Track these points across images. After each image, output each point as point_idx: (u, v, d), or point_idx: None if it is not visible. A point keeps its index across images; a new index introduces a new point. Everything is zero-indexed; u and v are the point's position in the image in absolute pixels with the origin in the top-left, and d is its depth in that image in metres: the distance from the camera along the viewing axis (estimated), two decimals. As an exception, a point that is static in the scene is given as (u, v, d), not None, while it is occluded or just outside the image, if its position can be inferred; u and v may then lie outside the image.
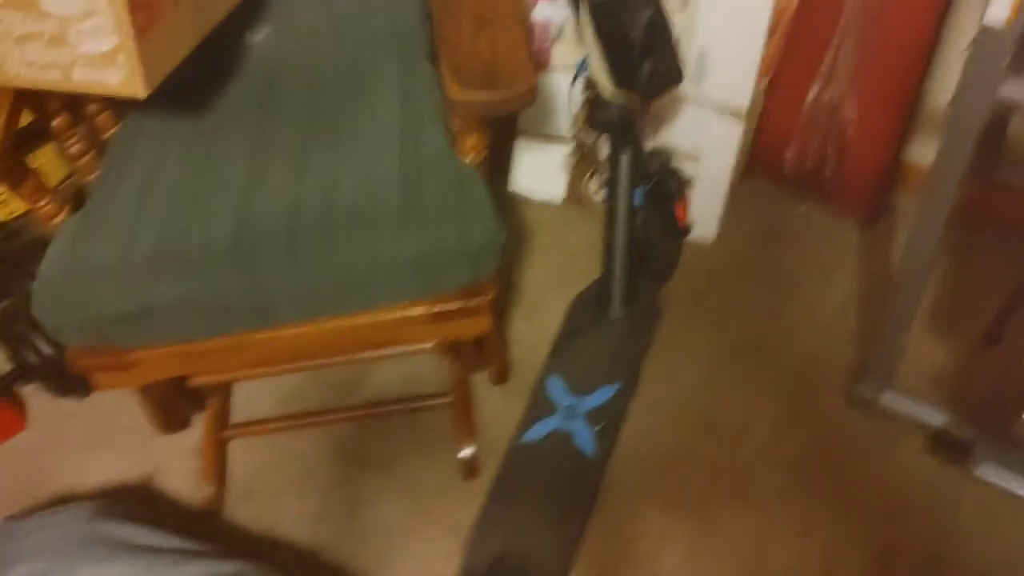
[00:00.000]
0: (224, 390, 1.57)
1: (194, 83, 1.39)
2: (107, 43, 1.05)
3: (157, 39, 1.10)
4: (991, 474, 1.22)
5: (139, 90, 1.08)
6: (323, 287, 1.13)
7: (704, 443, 1.51)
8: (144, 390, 1.36)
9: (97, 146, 1.36)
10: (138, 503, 1.46)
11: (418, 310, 1.19)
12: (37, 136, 1.76)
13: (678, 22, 1.61)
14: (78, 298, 1.12)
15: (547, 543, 1.23)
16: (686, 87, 1.69)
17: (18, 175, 1.19)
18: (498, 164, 1.94)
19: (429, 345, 1.42)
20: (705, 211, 1.78)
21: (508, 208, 1.89)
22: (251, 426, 1.52)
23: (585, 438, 1.33)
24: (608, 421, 1.35)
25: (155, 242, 1.15)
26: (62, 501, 1.46)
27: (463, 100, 1.07)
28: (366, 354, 1.42)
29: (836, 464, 1.47)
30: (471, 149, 1.23)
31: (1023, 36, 1.03)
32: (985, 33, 1.05)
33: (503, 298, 1.72)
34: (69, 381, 1.56)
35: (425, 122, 1.28)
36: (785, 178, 1.89)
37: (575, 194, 1.87)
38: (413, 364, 1.63)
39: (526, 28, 1.16)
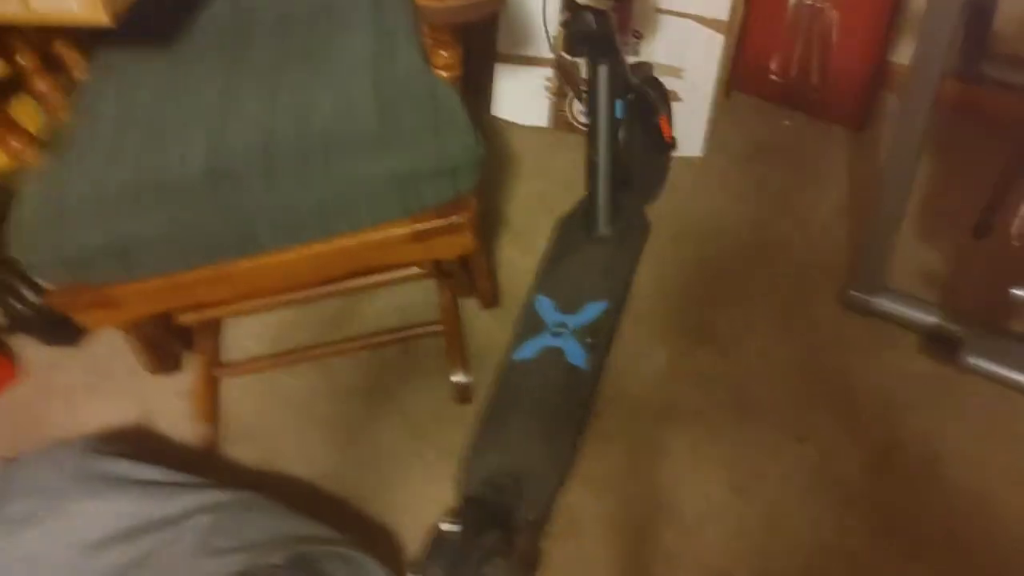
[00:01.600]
0: (214, 329, 1.57)
1: (164, 17, 1.37)
2: (63, -32, 1.02)
3: (115, -37, 1.07)
4: (982, 363, 1.22)
5: (101, 16, 1.05)
6: (303, 211, 1.12)
7: (699, 354, 1.51)
8: (133, 331, 1.36)
9: (68, 87, 1.34)
10: (133, 443, 1.46)
11: (401, 229, 1.17)
12: (10, 86, 1.74)
13: (653, -69, 1.57)
14: (55, 235, 1.10)
15: (540, 457, 1.23)
16: (666, 1, 1.66)
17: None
18: (479, 88, 1.92)
19: (417, 271, 1.41)
20: (691, 127, 1.76)
21: (492, 134, 1.86)
22: (244, 364, 1.52)
23: (576, 352, 1.32)
24: (598, 336, 1.34)
25: (130, 175, 1.13)
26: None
27: (431, 7, 1.04)
28: (355, 283, 1.40)
29: (831, 369, 1.47)
30: (445, 65, 1.20)
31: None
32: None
33: (490, 224, 1.71)
34: (59, 329, 1.56)
35: (399, 42, 1.26)
36: (771, 90, 1.86)
37: (560, 118, 1.85)
38: (404, 294, 1.62)
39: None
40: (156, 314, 1.27)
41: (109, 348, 1.60)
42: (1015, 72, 1.63)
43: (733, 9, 1.63)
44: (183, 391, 1.53)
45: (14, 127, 1.23)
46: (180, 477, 1.23)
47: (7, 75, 1.56)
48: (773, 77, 1.83)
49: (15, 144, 1.23)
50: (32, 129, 1.63)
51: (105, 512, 1.16)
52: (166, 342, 1.47)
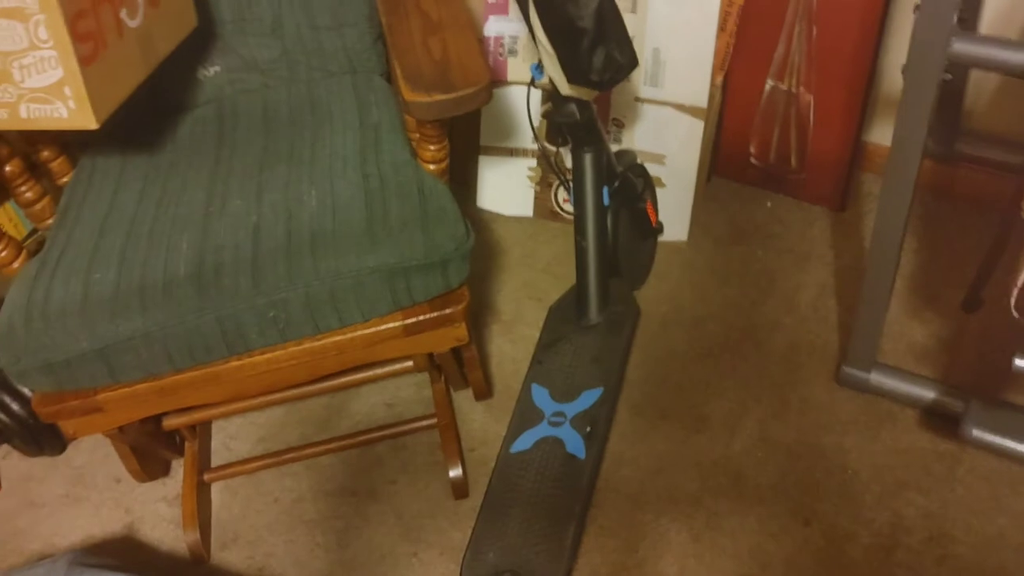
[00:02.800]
0: (203, 432, 1.53)
1: (149, 121, 1.38)
2: (53, 76, 1.03)
3: (104, 69, 1.08)
4: (986, 435, 1.21)
5: (90, 121, 1.06)
6: (291, 308, 1.11)
7: (695, 440, 1.48)
8: (119, 437, 1.32)
9: (53, 192, 1.34)
10: (120, 555, 1.41)
11: (392, 324, 1.16)
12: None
13: (629, 23, 1.61)
14: (39, 340, 1.09)
15: (542, 553, 1.20)
16: (645, 90, 1.69)
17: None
18: (463, 181, 1.93)
19: (409, 364, 1.39)
20: (675, 212, 1.78)
21: (477, 226, 1.87)
22: (232, 467, 1.48)
23: (574, 442, 1.30)
24: (596, 424, 1.33)
25: (115, 279, 1.13)
26: (41, 559, 1.41)
27: (417, 101, 1.06)
28: (345, 379, 1.39)
29: (830, 448, 1.45)
30: (433, 158, 1.22)
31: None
32: (931, -7, 1.05)
33: (479, 315, 1.70)
34: (42, 439, 1.52)
35: (384, 136, 1.27)
36: (752, 174, 1.89)
37: (543, 207, 1.86)
38: (393, 389, 1.60)
39: (476, 33, 1.16)
40: (143, 419, 1.24)
41: (91, 456, 1.56)
42: (989, 148, 1.67)
43: (711, 96, 1.66)
44: (170, 497, 1.49)
45: (0, 235, 1.23)
46: (168, 588, 1.19)
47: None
48: (753, 161, 1.86)
49: (1, 252, 1.23)
50: (15, 234, 1.63)
51: (91, 629, 1.12)
52: (153, 448, 1.43)
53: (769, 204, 1.88)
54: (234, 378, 1.17)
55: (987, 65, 1.08)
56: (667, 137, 1.72)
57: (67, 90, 1.04)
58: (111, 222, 1.22)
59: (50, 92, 1.04)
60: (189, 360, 1.13)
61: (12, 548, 1.45)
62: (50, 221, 1.30)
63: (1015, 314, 0.98)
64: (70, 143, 1.36)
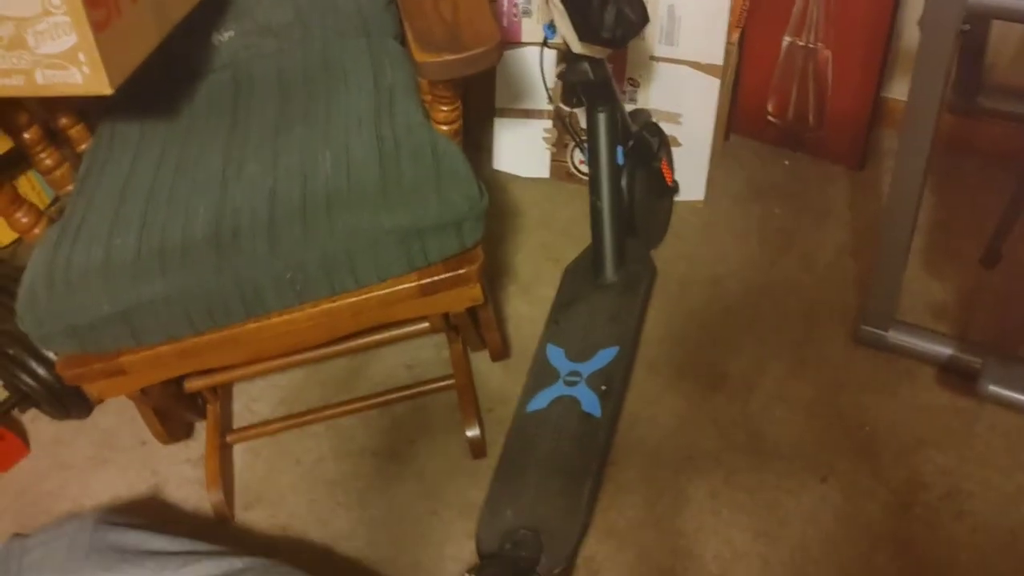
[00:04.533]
0: (224, 394, 1.56)
1: (164, 86, 1.39)
2: (67, 41, 1.04)
3: (117, 34, 1.08)
4: (1002, 390, 1.20)
5: (104, 86, 1.07)
6: (308, 270, 1.12)
7: (713, 398, 1.49)
8: (142, 399, 1.34)
9: (72, 159, 1.35)
10: (146, 514, 1.44)
11: (407, 284, 1.17)
12: (15, 160, 1.76)
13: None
14: (62, 304, 1.10)
15: (559, 510, 1.21)
16: (660, 49, 1.68)
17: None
18: (479, 143, 1.93)
19: (426, 326, 1.40)
20: (692, 172, 1.77)
21: (494, 188, 1.87)
22: (254, 428, 1.50)
23: (590, 401, 1.31)
24: (611, 383, 1.33)
25: (135, 243, 1.14)
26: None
27: (428, 62, 1.06)
28: (363, 340, 1.40)
29: (848, 406, 1.45)
30: (446, 120, 1.22)
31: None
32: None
33: (496, 277, 1.71)
34: (68, 402, 1.55)
35: (398, 98, 1.27)
36: (770, 132, 1.88)
37: (560, 168, 1.86)
38: (412, 351, 1.61)
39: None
40: (165, 381, 1.26)
41: (117, 419, 1.58)
42: (1012, 102, 1.65)
43: (727, 53, 1.65)
44: (194, 458, 1.52)
45: (21, 202, 1.25)
46: (194, 546, 1.21)
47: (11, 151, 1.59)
48: (770, 119, 1.85)
49: (22, 219, 1.25)
50: (37, 202, 1.65)
51: (119, 585, 1.14)
52: (176, 410, 1.46)
53: (787, 162, 1.87)
54: (253, 339, 1.19)
55: (1006, 15, 1.06)
56: (683, 96, 1.71)
57: (81, 56, 1.04)
58: (130, 188, 1.23)
59: (64, 58, 1.05)
60: (209, 322, 1.15)
61: (42, 509, 1.48)
62: (70, 188, 1.31)
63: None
64: (88, 110, 1.37)
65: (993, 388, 1.22)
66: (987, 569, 1.25)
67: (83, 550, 1.15)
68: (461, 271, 1.18)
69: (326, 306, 1.17)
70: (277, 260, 1.10)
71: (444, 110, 1.20)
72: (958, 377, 1.44)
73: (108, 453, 1.55)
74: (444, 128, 1.22)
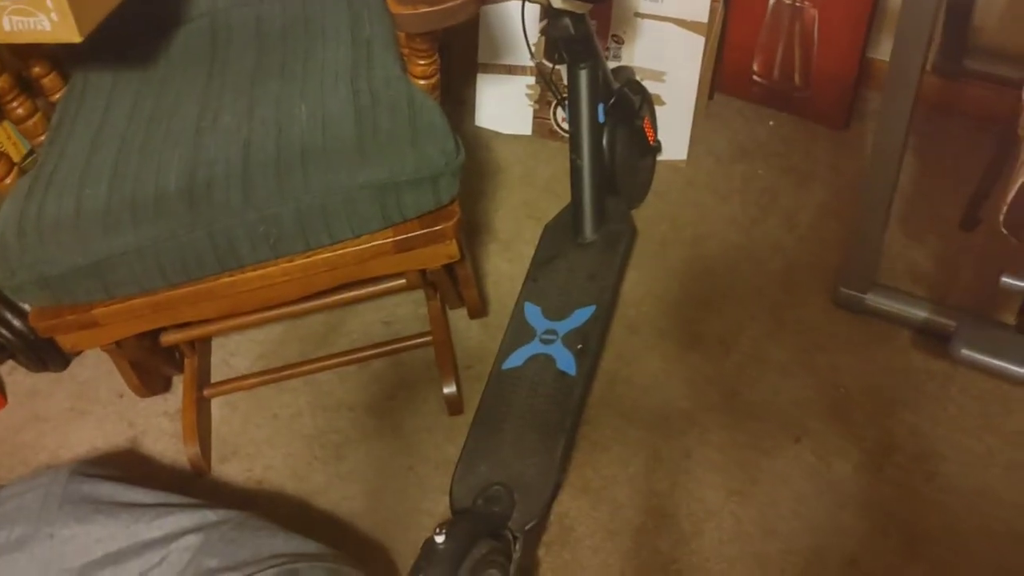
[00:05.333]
0: (202, 348, 1.55)
1: (140, 34, 1.37)
2: (33, -13, 1.02)
3: (86, -19, 1.06)
4: (974, 354, 1.21)
5: (73, 34, 1.05)
6: (282, 223, 1.11)
7: (689, 358, 1.49)
8: (117, 352, 1.34)
9: (45, 109, 1.33)
10: (122, 466, 1.44)
11: (383, 240, 1.17)
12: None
13: (629, -65, 1.57)
14: (32, 255, 1.09)
15: (533, 467, 1.22)
16: (644, 5, 1.66)
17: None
18: (462, 99, 1.91)
19: (403, 282, 1.40)
20: (676, 131, 1.75)
21: (476, 144, 1.85)
22: (231, 383, 1.50)
23: (566, 359, 1.31)
24: (587, 341, 1.33)
25: (106, 193, 1.13)
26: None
27: (404, 14, 1.04)
28: (340, 296, 1.39)
29: (823, 368, 1.46)
30: (423, 74, 1.20)
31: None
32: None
33: (476, 234, 1.70)
34: (45, 354, 1.54)
35: (375, 51, 1.26)
36: (754, 92, 1.86)
37: (543, 125, 1.84)
38: (390, 307, 1.61)
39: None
40: (140, 334, 1.26)
41: (95, 372, 1.58)
42: (997, 64, 1.64)
43: (712, 11, 1.63)
44: (172, 412, 1.52)
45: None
46: (169, 498, 1.22)
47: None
48: (756, 78, 1.83)
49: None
50: (14, 153, 1.63)
51: (93, 536, 1.14)
52: (153, 363, 1.45)
53: (772, 122, 1.86)
54: (228, 293, 1.18)
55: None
56: (667, 54, 1.69)
57: (49, 2, 1.02)
58: (103, 137, 1.21)
59: (32, 4, 1.03)
60: (182, 275, 1.14)
61: (19, 460, 1.49)
62: (43, 138, 1.29)
63: (1004, 231, 0.98)
64: (61, 59, 1.35)
65: (965, 351, 1.22)
66: (954, 529, 1.27)
67: (57, 501, 1.16)
68: (437, 227, 1.17)
69: (301, 261, 1.16)
70: (251, 211, 1.09)
71: (421, 64, 1.19)
72: (934, 340, 1.45)
73: (85, 405, 1.55)
74: (422, 82, 1.20)
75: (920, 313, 1.44)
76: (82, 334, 1.19)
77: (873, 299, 1.46)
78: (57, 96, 1.34)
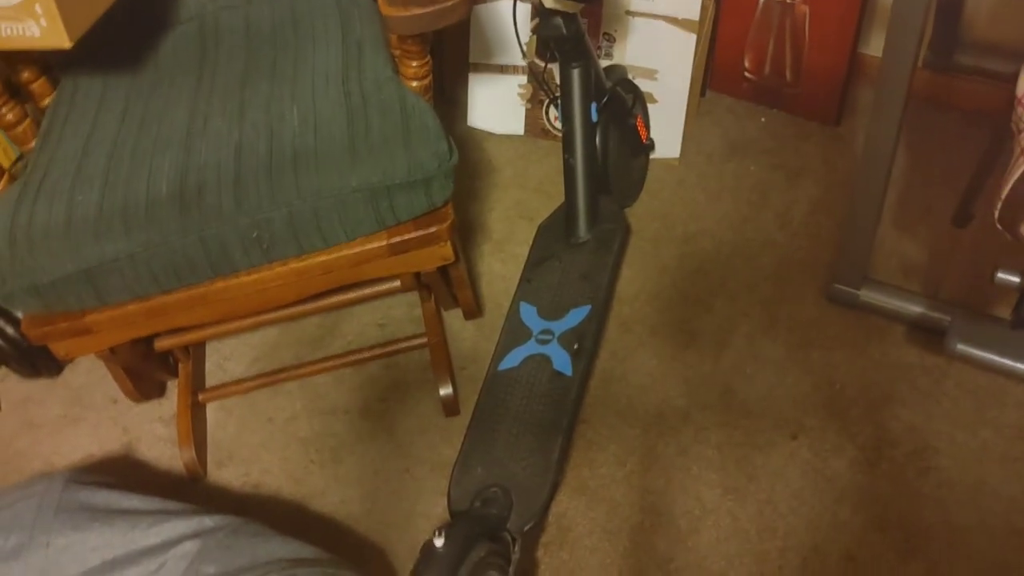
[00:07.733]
0: (196, 353, 1.55)
1: (129, 39, 1.36)
2: (22, -8, 1.01)
3: (75, -14, 1.06)
4: (969, 348, 1.21)
5: (63, 40, 1.04)
6: (274, 227, 1.10)
7: (684, 356, 1.49)
8: (111, 358, 1.33)
9: (35, 115, 1.32)
10: (117, 473, 1.44)
11: (376, 243, 1.16)
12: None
13: (619, -67, 1.57)
14: (23, 263, 1.09)
15: (529, 468, 1.22)
16: (636, 3, 1.66)
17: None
18: (454, 99, 1.91)
19: (398, 285, 1.40)
20: (668, 129, 1.75)
21: (469, 144, 1.85)
22: (226, 387, 1.50)
23: (562, 359, 1.31)
24: (583, 341, 1.33)
25: (97, 200, 1.12)
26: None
27: (395, 16, 1.04)
28: (335, 299, 1.39)
29: (818, 364, 1.46)
30: (415, 75, 1.20)
31: None
32: None
33: (470, 234, 1.70)
34: (38, 361, 1.53)
35: (366, 53, 1.25)
36: (746, 89, 1.86)
37: (535, 125, 1.84)
38: (385, 309, 1.60)
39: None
40: (133, 340, 1.25)
41: (89, 378, 1.58)
42: (989, 59, 1.64)
43: (704, 8, 1.63)
44: (167, 417, 1.51)
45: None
46: (165, 504, 1.21)
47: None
48: (747, 75, 1.83)
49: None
50: (3, 159, 1.62)
51: (90, 544, 1.14)
52: (147, 369, 1.45)
53: (763, 119, 1.86)
54: (221, 298, 1.18)
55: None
56: (659, 52, 1.69)
57: (38, 8, 1.02)
58: (93, 143, 1.21)
59: (21, 10, 1.02)
60: (175, 281, 1.13)
61: (13, 468, 1.48)
62: (33, 144, 1.29)
63: (999, 227, 0.98)
64: (51, 64, 1.34)
65: (960, 346, 1.22)
66: (950, 523, 1.27)
67: (52, 509, 1.15)
68: (431, 230, 1.17)
69: (294, 265, 1.16)
70: (243, 216, 1.09)
71: (413, 65, 1.18)
72: (928, 335, 1.45)
73: (79, 412, 1.54)
74: (413, 83, 1.20)
75: (914, 308, 1.44)
76: (75, 341, 1.18)
77: (866, 295, 1.47)
78: (46, 102, 1.33)
